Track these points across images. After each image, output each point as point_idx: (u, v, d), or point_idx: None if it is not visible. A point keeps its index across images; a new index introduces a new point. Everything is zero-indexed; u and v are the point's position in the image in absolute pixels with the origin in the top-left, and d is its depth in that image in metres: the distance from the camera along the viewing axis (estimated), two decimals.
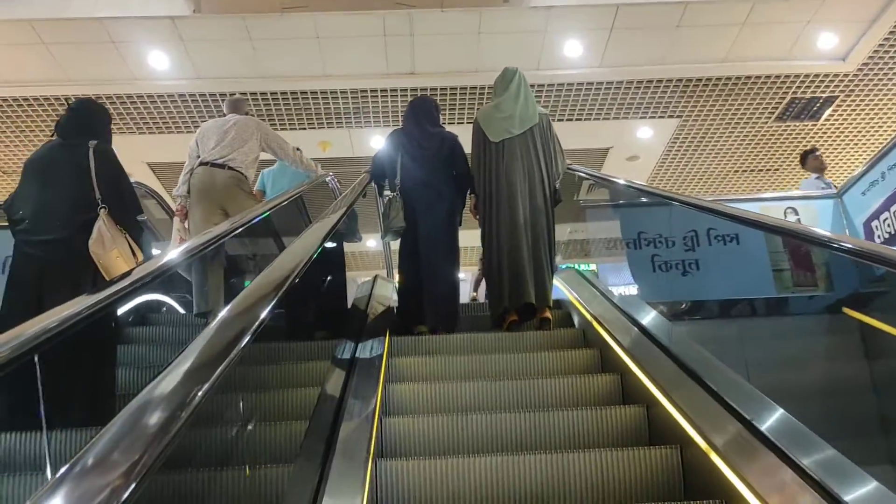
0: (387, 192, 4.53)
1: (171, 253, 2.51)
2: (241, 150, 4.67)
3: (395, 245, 4.79)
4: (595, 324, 4.01)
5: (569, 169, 5.43)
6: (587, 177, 5.30)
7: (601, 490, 2.46)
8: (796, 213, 6.21)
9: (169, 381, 1.30)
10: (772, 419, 2.29)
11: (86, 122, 3.59)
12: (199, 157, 4.69)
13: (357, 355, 3.40)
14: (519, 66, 4.78)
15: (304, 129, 8.50)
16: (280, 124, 8.34)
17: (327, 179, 5.41)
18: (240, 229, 3.13)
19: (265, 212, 3.84)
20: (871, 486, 1.82)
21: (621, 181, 5.02)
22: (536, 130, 4.51)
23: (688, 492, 2.45)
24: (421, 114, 4.69)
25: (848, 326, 5.19)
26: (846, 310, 4.32)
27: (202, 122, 5.52)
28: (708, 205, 4.34)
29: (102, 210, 3.30)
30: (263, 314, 1.78)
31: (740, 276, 5.99)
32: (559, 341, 4.14)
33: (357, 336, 3.68)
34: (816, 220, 6.23)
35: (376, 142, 8.83)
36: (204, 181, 4.60)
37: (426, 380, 3.41)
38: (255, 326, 1.69)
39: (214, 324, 1.65)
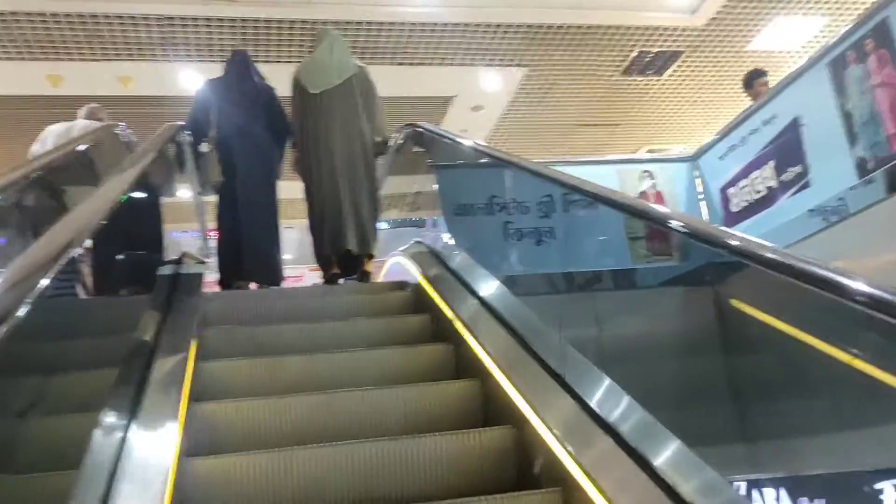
0: (203, 147, 4.48)
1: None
2: None
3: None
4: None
5: (414, 126, 4.77)
6: (433, 134, 4.61)
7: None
8: (652, 178, 5.90)
9: None
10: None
11: None
12: None
13: (172, 308, 3.18)
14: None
15: (98, 59, 7.13)
16: (68, 52, 6.93)
17: (117, 131, 4.31)
18: None
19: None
20: (675, 446, 1.85)
21: (467, 142, 4.39)
22: (354, 81, 4.61)
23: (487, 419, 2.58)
24: (238, 65, 4.74)
25: (703, 300, 4.90)
26: (732, 301, 3.99)
27: None
28: (544, 171, 3.85)
29: None
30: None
31: (597, 246, 5.63)
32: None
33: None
34: (672, 184, 5.97)
35: (188, 79, 7.63)
36: None
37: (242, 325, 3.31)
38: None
39: None
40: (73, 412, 2.16)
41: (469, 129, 9.55)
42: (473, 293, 3.33)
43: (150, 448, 2.05)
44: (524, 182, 5.75)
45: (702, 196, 5.95)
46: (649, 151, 11.34)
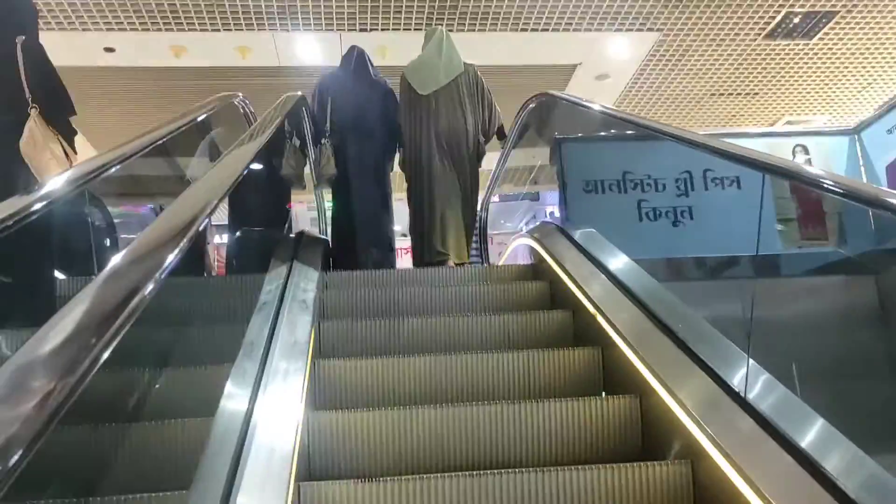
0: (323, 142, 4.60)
1: (107, 153, 2.35)
2: None
3: None
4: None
5: (548, 94, 4.41)
6: (572, 103, 4.22)
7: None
8: (807, 153, 5.29)
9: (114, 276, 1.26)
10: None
11: (11, 16, 3.34)
12: None
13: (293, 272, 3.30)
14: None
15: (219, 30, 7.09)
16: (188, 22, 6.92)
17: (235, 101, 4.15)
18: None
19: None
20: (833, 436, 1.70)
21: (614, 112, 3.97)
22: (462, 80, 4.71)
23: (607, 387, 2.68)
24: (354, 62, 4.86)
25: (864, 290, 4.36)
26: None
27: None
28: (708, 142, 3.40)
29: (33, 110, 3.16)
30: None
31: (740, 228, 5.10)
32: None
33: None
34: (828, 159, 5.33)
35: (305, 49, 7.50)
36: None
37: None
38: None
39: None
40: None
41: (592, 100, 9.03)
42: (623, 288, 2.94)
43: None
44: (660, 156, 5.28)
45: (864, 173, 5.30)
46: (788, 123, 10.47)
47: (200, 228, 1.71)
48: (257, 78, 7.91)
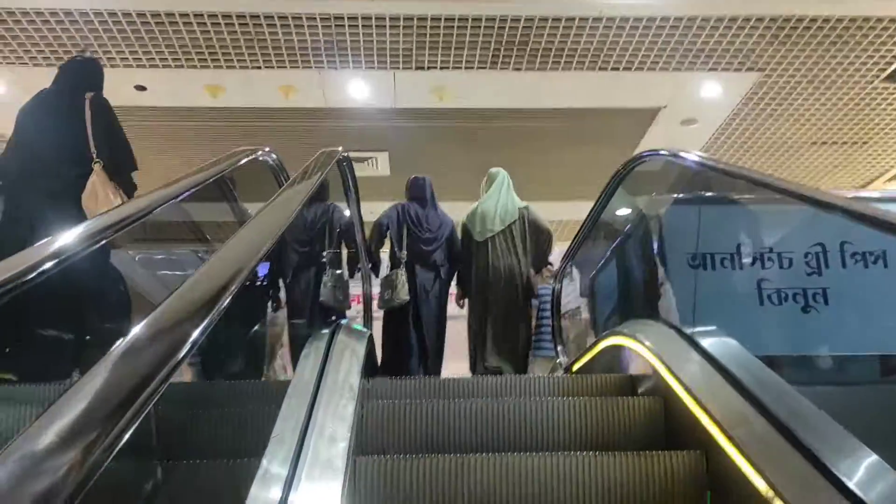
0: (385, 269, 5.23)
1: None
2: None
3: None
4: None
5: (661, 154, 3.57)
6: (701, 165, 3.32)
7: None
8: None
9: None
10: None
11: (82, 72, 3.64)
12: None
13: None
14: None
15: (260, 67, 6.42)
16: (227, 59, 6.27)
17: (258, 155, 3.33)
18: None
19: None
20: None
21: (758, 177, 3.01)
22: (517, 226, 5.26)
23: None
24: (423, 192, 5.37)
25: None
26: None
27: None
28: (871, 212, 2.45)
29: (97, 164, 3.33)
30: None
31: (888, 316, 4.12)
32: None
33: None
34: None
35: (355, 89, 6.78)
36: None
37: None
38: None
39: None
40: None
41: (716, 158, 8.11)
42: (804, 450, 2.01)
43: None
44: (786, 224, 4.36)
45: None
46: (893, 179, 9.37)
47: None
48: (302, 120, 7.23)
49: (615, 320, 4.46)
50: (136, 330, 1.07)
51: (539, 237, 5.34)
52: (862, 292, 4.07)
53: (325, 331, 2.94)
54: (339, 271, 4.74)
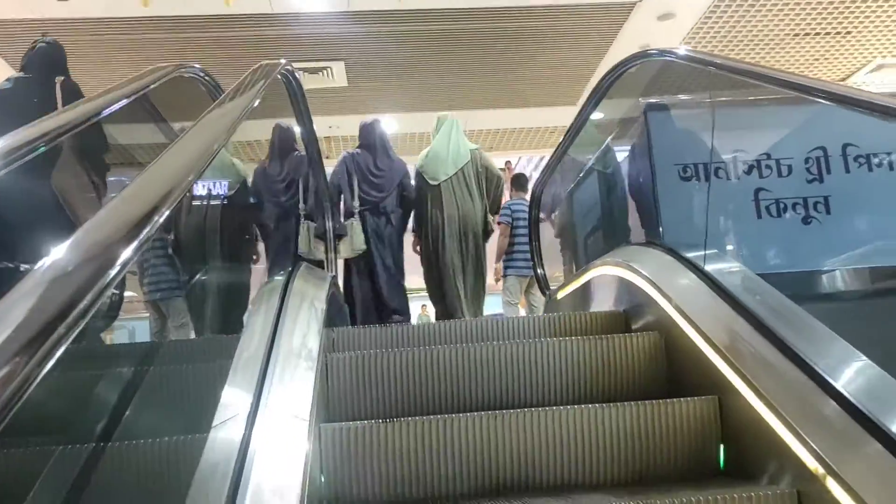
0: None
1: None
2: None
3: None
4: None
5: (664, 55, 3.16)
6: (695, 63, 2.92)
7: None
8: None
9: None
10: None
11: (52, 59, 3.70)
12: None
13: None
14: None
15: None
16: None
17: (183, 72, 2.85)
18: None
19: None
20: None
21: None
22: (469, 168, 5.23)
23: None
24: (373, 138, 5.29)
25: None
26: None
27: None
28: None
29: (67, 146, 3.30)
30: None
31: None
32: None
33: None
34: None
35: None
36: None
37: None
38: None
39: None
40: None
41: (650, 45, 7.66)
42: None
43: None
44: (784, 125, 4.03)
45: None
46: (878, 68, 9.03)
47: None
48: (246, 29, 6.61)
49: (599, 244, 4.14)
50: (57, 251, 0.98)
51: (490, 182, 5.33)
52: (867, 200, 3.79)
53: (279, 277, 2.56)
54: (313, 223, 4.69)
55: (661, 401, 2.03)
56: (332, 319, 2.71)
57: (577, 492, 1.85)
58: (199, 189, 4.33)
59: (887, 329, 2.98)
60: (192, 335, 4.02)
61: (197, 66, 2.94)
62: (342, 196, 5.12)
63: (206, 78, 3.05)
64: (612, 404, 1.98)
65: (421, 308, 13.02)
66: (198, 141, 1.76)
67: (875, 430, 1.57)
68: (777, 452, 1.71)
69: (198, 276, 4.17)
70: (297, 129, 4.45)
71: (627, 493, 1.80)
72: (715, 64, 2.66)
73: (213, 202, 4.51)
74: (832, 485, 1.48)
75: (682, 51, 2.93)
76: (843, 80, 9.13)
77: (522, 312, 6.77)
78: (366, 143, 5.28)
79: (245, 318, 2.28)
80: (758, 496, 1.63)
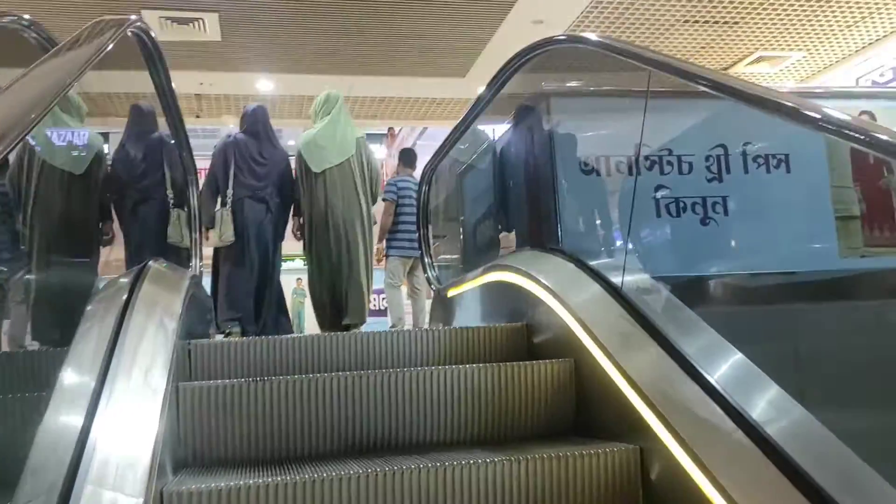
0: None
1: None
2: None
3: None
4: None
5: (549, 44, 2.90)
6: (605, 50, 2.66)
7: None
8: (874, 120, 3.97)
9: None
10: None
11: None
12: None
13: None
14: None
15: None
16: None
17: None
18: None
19: None
20: None
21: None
22: (354, 159, 5.01)
23: None
24: (257, 125, 5.04)
25: None
26: None
27: None
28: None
29: None
30: None
31: (790, 228, 3.83)
32: None
33: None
34: None
35: None
36: None
37: None
38: None
39: None
40: None
41: (544, 21, 7.48)
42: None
43: None
44: (685, 121, 3.92)
45: None
46: (758, 60, 9.26)
47: None
48: None
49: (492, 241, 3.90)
50: None
51: (372, 171, 5.12)
52: (761, 200, 3.73)
53: (125, 279, 2.13)
54: (182, 210, 4.45)
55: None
56: (191, 328, 2.32)
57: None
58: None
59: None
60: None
61: (27, 16, 2.40)
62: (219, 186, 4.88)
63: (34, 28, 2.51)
64: None
65: (296, 281, 12.54)
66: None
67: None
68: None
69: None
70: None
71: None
72: (630, 53, 2.41)
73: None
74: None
75: (593, 37, 2.67)
76: (726, 69, 9.32)
77: (404, 292, 6.52)
78: (252, 131, 5.02)
79: (77, 332, 1.84)
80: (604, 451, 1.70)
